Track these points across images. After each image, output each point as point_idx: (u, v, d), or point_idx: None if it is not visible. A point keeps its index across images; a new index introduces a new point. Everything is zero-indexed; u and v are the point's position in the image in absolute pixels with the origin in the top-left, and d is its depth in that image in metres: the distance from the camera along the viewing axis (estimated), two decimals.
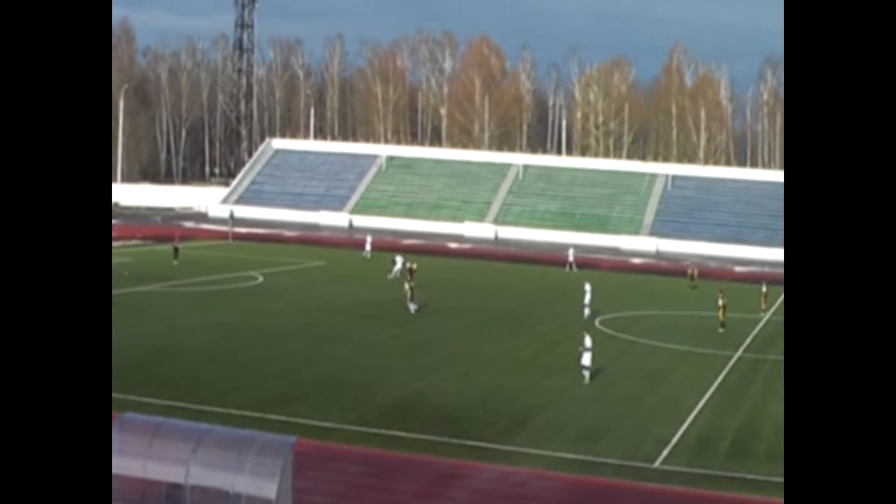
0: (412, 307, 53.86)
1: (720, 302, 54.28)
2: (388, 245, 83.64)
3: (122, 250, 72.61)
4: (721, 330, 52.34)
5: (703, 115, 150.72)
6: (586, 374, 39.21)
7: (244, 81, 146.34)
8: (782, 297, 63.14)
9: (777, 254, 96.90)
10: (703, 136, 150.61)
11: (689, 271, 73.01)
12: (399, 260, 67.38)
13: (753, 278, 75.33)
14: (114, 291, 53.06)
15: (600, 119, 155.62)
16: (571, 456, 29.24)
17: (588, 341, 39.69)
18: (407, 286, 55.83)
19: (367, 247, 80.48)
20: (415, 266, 55.78)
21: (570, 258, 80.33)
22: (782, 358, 46.43)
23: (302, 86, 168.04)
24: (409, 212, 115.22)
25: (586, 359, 39.37)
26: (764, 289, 62.30)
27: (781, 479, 27.40)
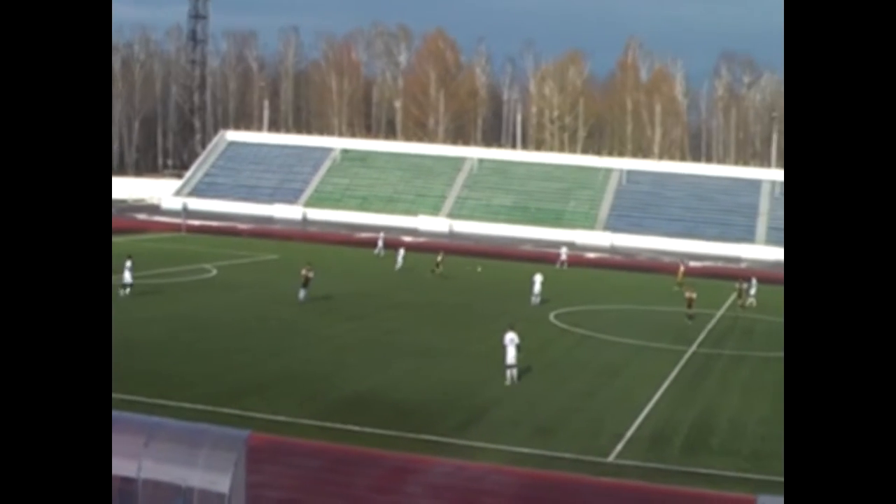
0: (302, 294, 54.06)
1: (688, 294, 55.57)
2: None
3: None
4: (689, 322, 52.77)
5: (658, 109, 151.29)
6: (509, 373, 37.45)
7: (198, 73, 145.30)
8: (734, 296, 63.57)
9: (729, 249, 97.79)
10: (659, 131, 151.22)
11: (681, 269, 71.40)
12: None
13: (707, 273, 75.76)
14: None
15: (555, 114, 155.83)
16: (526, 450, 29.15)
17: (509, 337, 37.73)
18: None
19: (380, 243, 79.44)
20: (311, 275, 54.75)
21: (563, 256, 79.09)
22: (737, 353, 46.85)
23: (256, 78, 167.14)
24: (364, 205, 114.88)
25: (510, 356, 37.44)
26: (739, 285, 62.73)
27: (736, 473, 27.69)
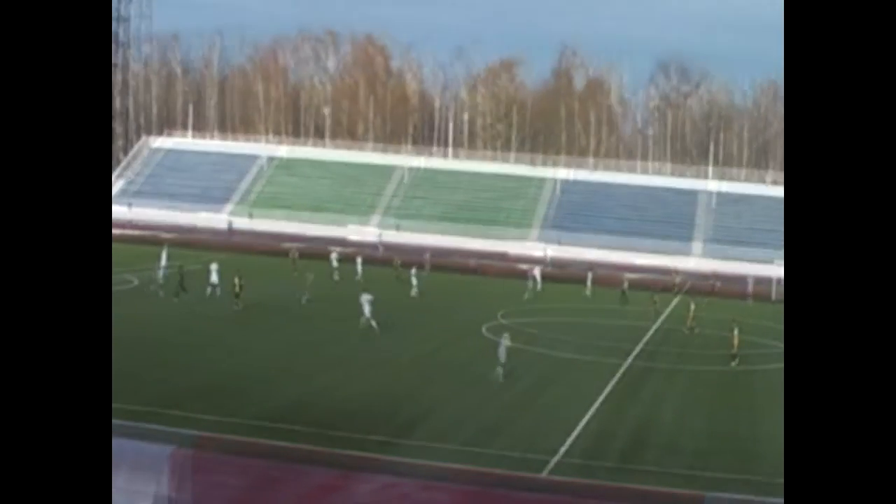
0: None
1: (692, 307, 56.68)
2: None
3: None
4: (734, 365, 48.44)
5: (592, 118, 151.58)
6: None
7: (119, 77, 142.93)
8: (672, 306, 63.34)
9: (665, 260, 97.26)
10: (594, 140, 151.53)
11: (623, 286, 70.64)
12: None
13: (643, 284, 75.40)
14: None
15: (488, 121, 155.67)
16: (457, 466, 28.31)
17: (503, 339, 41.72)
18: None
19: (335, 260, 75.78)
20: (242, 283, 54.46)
21: (537, 274, 74.64)
22: (671, 366, 46.47)
23: (180, 82, 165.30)
24: (291, 214, 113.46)
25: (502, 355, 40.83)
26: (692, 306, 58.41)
27: (670, 490, 27.13)
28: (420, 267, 70.70)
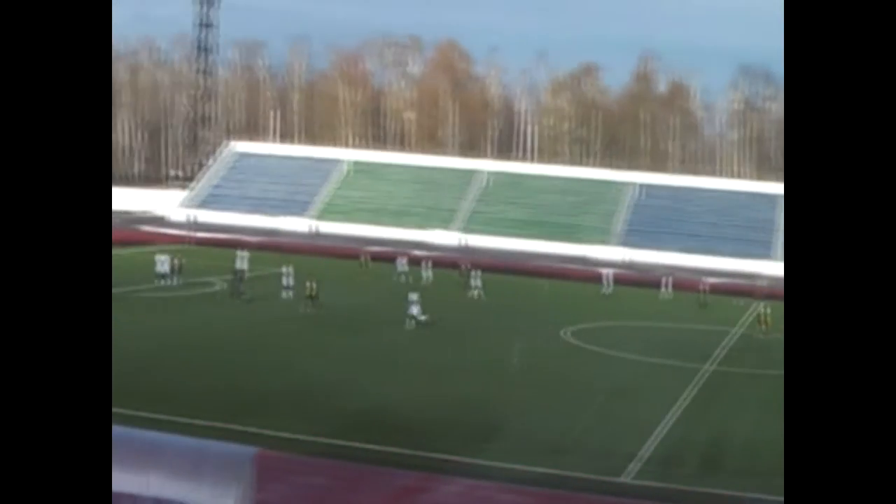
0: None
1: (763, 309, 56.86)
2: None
3: None
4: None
5: (673, 122, 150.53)
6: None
7: (205, 82, 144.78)
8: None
9: (747, 265, 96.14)
10: (675, 145, 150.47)
11: (703, 290, 70.77)
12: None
13: (725, 290, 74.87)
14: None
15: (569, 126, 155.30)
16: (539, 470, 28.52)
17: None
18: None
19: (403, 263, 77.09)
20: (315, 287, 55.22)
21: (609, 277, 76.11)
22: (754, 371, 46.21)
23: (265, 88, 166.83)
24: (374, 218, 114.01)
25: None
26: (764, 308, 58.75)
27: (751, 495, 27.08)
28: (484, 269, 70.85)
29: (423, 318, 51.45)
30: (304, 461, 27.98)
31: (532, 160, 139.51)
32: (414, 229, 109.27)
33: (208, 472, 20.12)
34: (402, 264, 74.48)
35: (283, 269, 61.59)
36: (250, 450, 21.48)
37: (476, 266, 71.15)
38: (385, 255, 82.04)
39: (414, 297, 52.81)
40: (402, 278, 71.00)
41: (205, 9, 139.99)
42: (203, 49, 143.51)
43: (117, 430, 22.48)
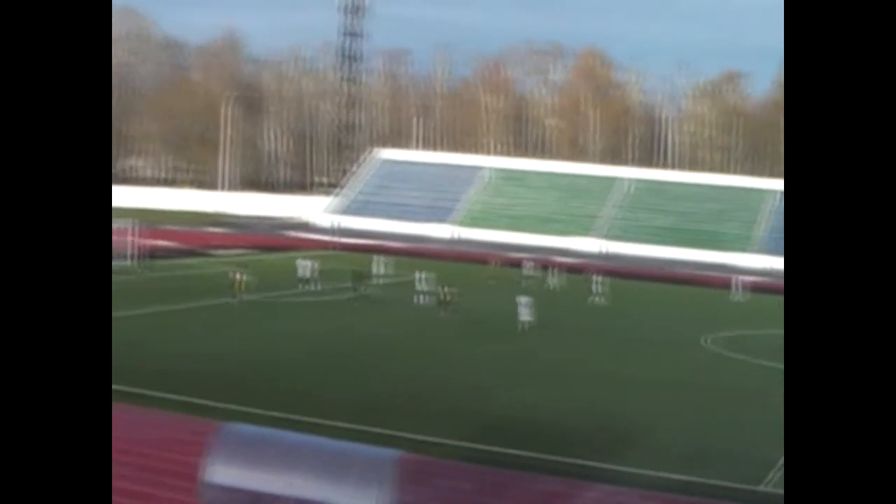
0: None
1: None
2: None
3: (234, 259, 73.46)
4: None
5: None
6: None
7: (350, 90, 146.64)
8: None
9: None
10: None
11: None
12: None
13: None
14: (219, 301, 53.31)
15: (711, 133, 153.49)
16: (681, 477, 28.25)
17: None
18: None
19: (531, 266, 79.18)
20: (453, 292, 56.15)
21: (741, 284, 76.51)
22: None
23: (408, 95, 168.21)
24: (516, 225, 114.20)
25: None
26: None
27: None
28: (619, 276, 70.51)
29: (529, 319, 51.83)
30: (446, 464, 28.13)
31: (673, 167, 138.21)
32: (555, 236, 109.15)
33: (350, 475, 20.33)
34: (528, 269, 75.24)
35: (417, 275, 62.57)
36: (393, 453, 21.62)
37: (601, 272, 70.87)
38: (517, 261, 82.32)
39: (523, 300, 52.84)
40: (526, 283, 71.21)
41: (350, 18, 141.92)
42: (348, 57, 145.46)
43: (258, 430, 22.94)
